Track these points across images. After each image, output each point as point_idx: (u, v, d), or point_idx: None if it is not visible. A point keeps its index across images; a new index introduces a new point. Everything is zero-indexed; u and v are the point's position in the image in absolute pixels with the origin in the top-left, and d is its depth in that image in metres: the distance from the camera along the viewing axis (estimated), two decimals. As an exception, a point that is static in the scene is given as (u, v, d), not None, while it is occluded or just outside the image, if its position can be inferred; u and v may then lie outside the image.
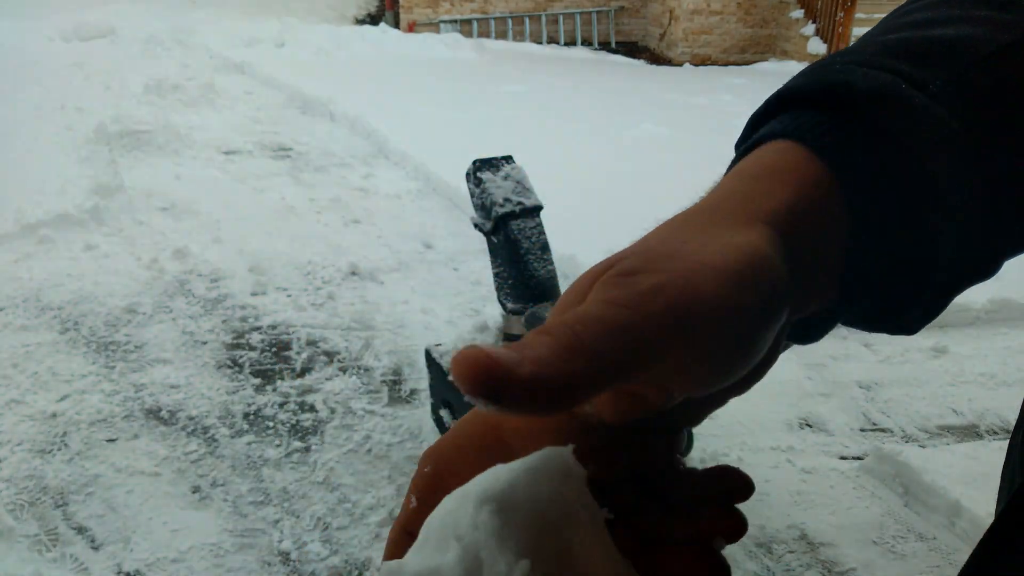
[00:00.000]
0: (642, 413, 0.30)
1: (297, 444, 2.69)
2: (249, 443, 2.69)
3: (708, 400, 0.32)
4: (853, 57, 0.38)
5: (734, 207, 0.33)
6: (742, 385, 0.31)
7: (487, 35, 11.02)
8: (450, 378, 0.24)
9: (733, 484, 0.32)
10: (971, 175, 0.35)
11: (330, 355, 3.23)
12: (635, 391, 0.29)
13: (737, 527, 0.31)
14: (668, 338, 0.27)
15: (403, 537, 0.32)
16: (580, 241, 3.88)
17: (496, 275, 2.54)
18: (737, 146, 0.40)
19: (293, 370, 3.12)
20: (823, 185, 0.34)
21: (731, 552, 2.26)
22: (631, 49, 11.27)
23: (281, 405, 2.89)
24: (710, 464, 2.65)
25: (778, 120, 0.37)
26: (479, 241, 3.48)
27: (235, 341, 3.31)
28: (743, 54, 10.68)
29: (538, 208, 2.48)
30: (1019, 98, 0.36)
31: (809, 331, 0.37)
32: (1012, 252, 0.39)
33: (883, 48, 0.38)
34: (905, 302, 0.37)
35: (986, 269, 0.39)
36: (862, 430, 2.86)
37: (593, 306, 0.27)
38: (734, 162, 0.38)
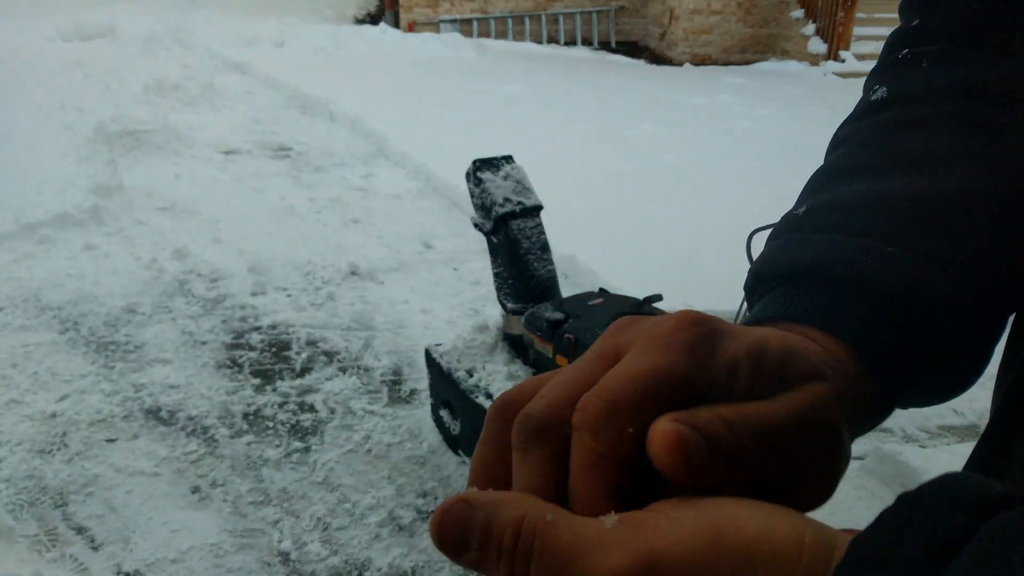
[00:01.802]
0: None
1: (297, 444, 2.68)
2: (249, 443, 2.68)
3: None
4: (824, 222, 0.39)
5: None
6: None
7: (487, 35, 11.02)
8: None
9: None
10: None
11: (330, 355, 3.22)
12: None
13: None
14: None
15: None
16: (580, 241, 3.87)
17: (496, 275, 2.54)
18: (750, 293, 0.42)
19: (293, 370, 3.12)
20: (853, 365, 0.35)
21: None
22: (631, 49, 11.27)
23: (281, 405, 2.89)
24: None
25: (786, 301, 0.37)
26: (479, 241, 3.47)
27: (235, 341, 3.31)
28: (743, 54, 10.67)
29: (538, 208, 2.47)
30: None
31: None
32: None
33: (852, 209, 0.39)
34: (948, 389, 0.40)
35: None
36: (862, 430, 2.85)
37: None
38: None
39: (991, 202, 0.38)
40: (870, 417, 0.37)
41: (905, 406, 0.40)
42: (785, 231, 0.41)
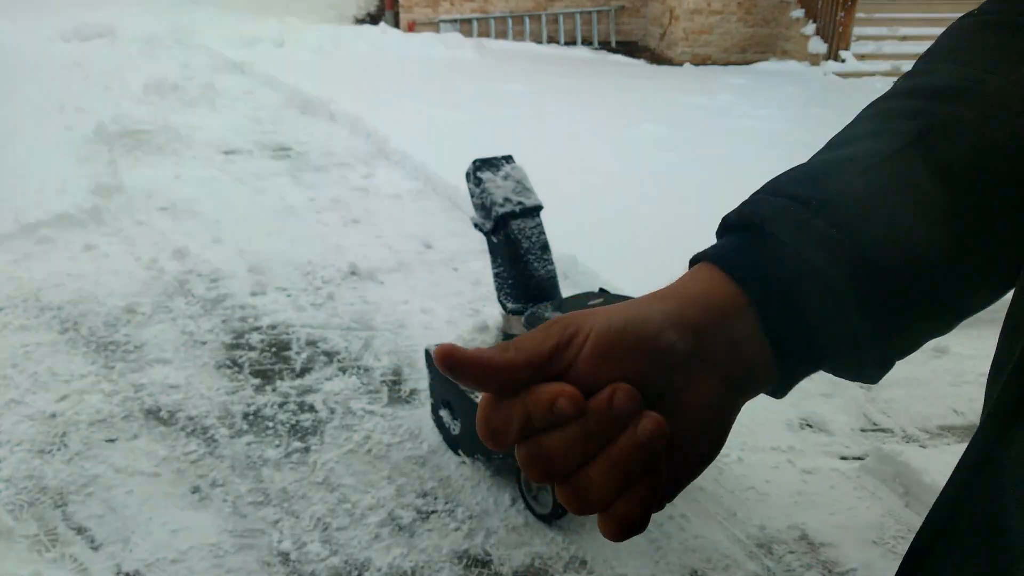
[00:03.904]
0: None
1: (297, 444, 2.68)
2: (249, 443, 2.68)
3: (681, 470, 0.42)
4: (772, 186, 0.48)
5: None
6: (699, 462, 0.43)
7: (487, 34, 11.01)
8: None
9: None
10: (855, 267, 0.43)
11: (330, 355, 3.22)
12: None
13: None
14: (576, 333, 0.41)
15: None
16: (580, 241, 3.87)
17: (496, 275, 2.54)
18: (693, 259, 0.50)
19: (293, 370, 3.12)
20: (733, 298, 0.43)
21: (731, 552, 2.25)
22: (631, 49, 11.27)
23: (281, 405, 2.89)
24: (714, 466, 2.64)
25: (713, 246, 0.47)
26: (479, 241, 3.47)
27: (235, 341, 3.31)
28: (743, 54, 10.67)
29: (538, 208, 2.47)
30: (892, 197, 0.45)
31: (776, 391, 0.48)
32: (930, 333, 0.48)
33: (792, 177, 0.48)
34: (848, 371, 0.47)
35: (939, 328, 0.47)
36: (863, 430, 2.85)
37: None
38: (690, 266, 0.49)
39: (871, 159, 0.46)
40: (756, 361, 0.44)
41: (832, 367, 0.47)
42: None
